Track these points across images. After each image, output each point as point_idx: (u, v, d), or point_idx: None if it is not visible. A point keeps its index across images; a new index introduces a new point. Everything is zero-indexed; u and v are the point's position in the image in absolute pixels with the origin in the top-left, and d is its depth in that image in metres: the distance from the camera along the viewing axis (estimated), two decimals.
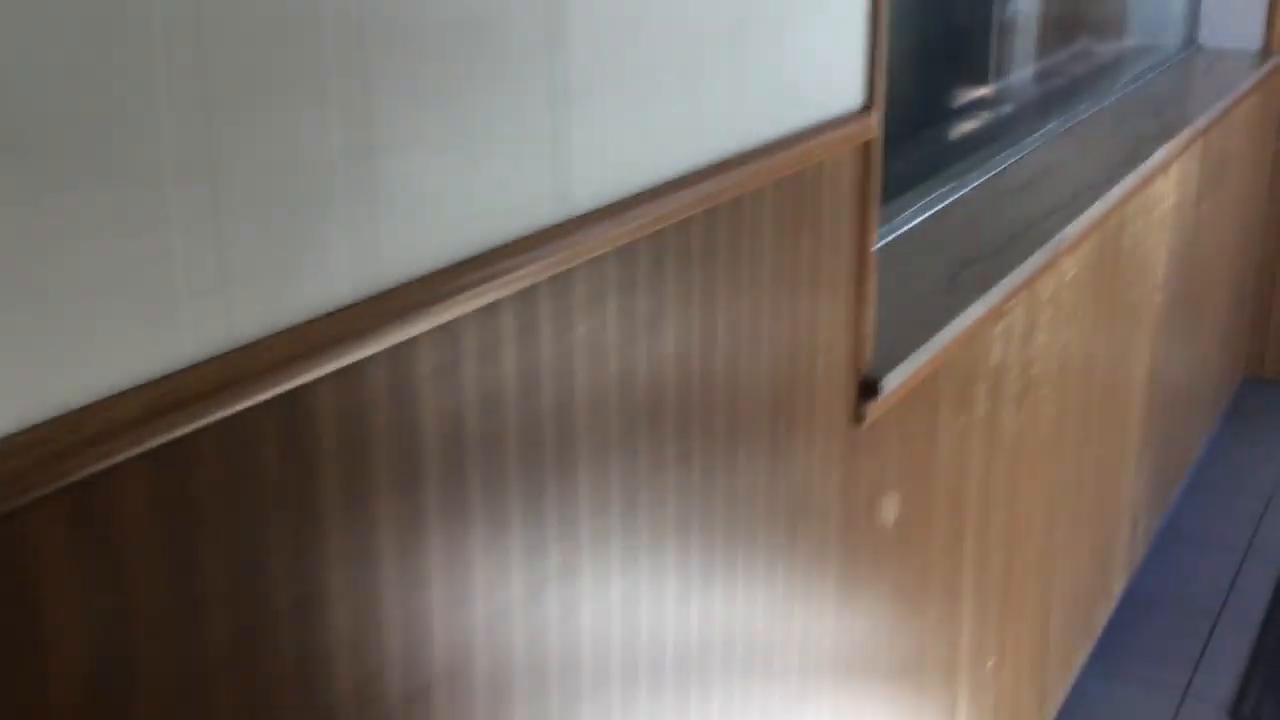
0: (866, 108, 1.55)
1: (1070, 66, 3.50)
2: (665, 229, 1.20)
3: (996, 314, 2.09)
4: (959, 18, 3.06)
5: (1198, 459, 3.99)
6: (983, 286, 2.02)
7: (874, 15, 1.51)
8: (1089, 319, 2.59)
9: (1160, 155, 2.80)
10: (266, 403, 0.81)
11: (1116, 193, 2.57)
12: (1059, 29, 3.58)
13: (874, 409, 1.67)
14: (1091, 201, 2.46)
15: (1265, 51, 3.93)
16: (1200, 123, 3.12)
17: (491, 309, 1.00)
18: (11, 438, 0.67)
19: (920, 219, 2.34)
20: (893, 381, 1.69)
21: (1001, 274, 2.09)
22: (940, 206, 2.42)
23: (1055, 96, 3.19)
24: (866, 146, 1.56)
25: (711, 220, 1.27)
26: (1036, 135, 2.88)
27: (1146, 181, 2.78)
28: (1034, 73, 3.32)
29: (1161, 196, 2.93)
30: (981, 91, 3.06)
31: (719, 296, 1.30)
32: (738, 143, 1.30)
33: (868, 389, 1.66)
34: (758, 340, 1.38)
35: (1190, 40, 4.02)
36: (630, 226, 1.14)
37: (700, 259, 1.26)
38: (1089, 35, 3.77)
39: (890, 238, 2.22)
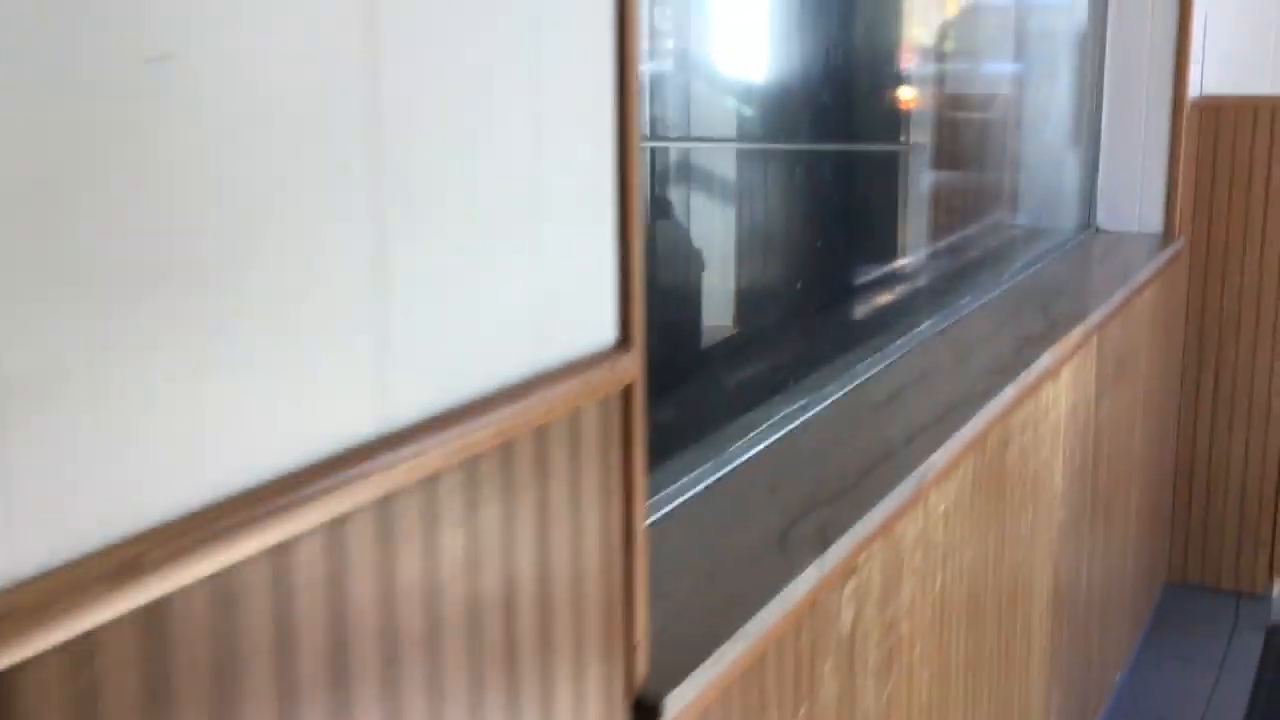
0: (621, 344, 1.17)
1: (953, 256, 3.19)
2: (245, 560, 0.79)
3: (845, 571, 1.70)
4: (822, 206, 2.75)
5: (1119, 682, 3.58)
6: (824, 541, 1.63)
7: (623, 225, 1.15)
8: (971, 554, 2.21)
9: (1047, 360, 2.46)
10: None
11: (996, 406, 2.22)
12: (942, 214, 3.29)
13: None
14: (965, 419, 2.10)
15: (1167, 235, 3.66)
16: (1095, 318, 2.80)
17: None
18: None
19: (761, 447, 1.96)
20: (682, 697, 1.28)
21: (850, 520, 1.70)
22: (788, 429, 2.05)
23: (934, 291, 2.87)
24: (625, 394, 1.18)
25: (336, 534, 0.87)
26: (909, 337, 2.54)
27: (1033, 389, 2.43)
28: (911, 264, 3.00)
29: (1053, 403, 2.59)
30: (848, 289, 2.73)
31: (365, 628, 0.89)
32: (396, 417, 0.91)
33: (644, 713, 1.24)
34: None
35: (1086, 223, 3.75)
36: (182, 570, 0.73)
37: (323, 590, 0.86)
38: (975, 220, 3.49)
39: (716, 477, 1.84)
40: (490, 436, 1.00)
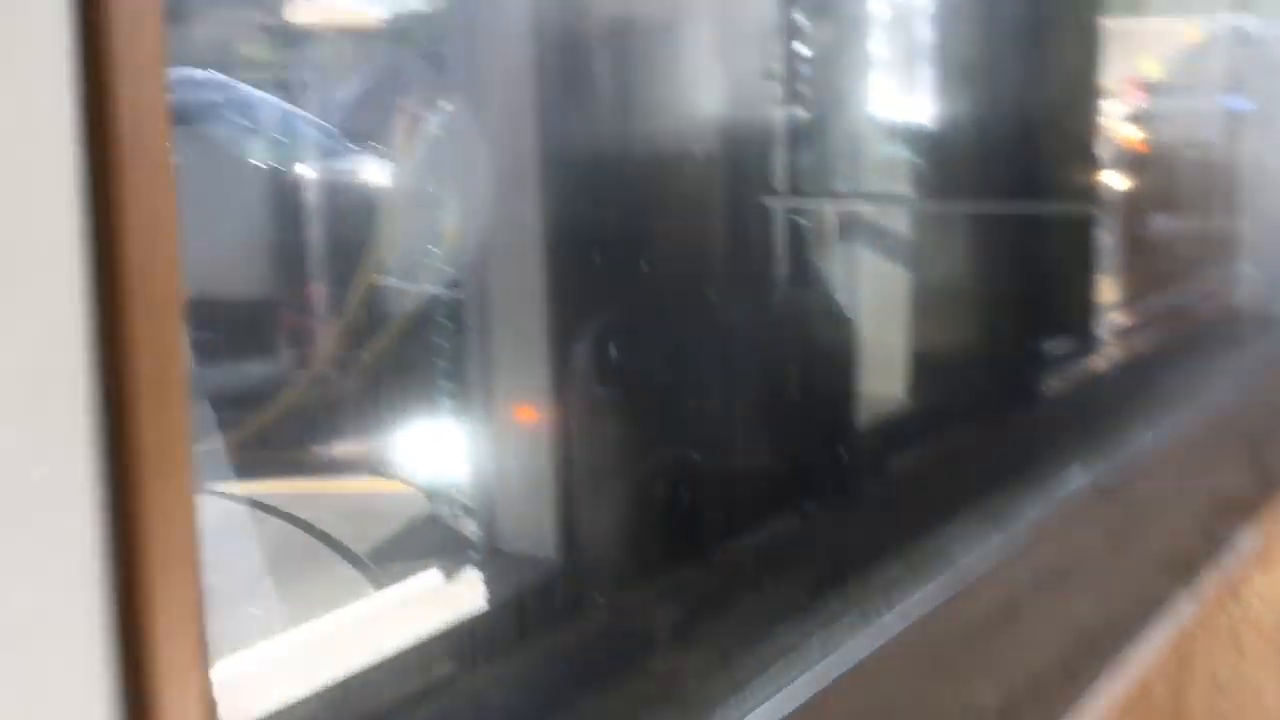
0: None
1: (1126, 362, 2.37)
2: None
3: None
4: (942, 292, 2.00)
5: None
6: None
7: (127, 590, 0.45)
8: None
9: (1254, 539, 1.65)
10: None
11: (1167, 631, 1.43)
12: (1126, 291, 2.49)
13: None
14: (1113, 660, 1.32)
15: None
16: None
17: None
18: None
19: None
20: None
21: None
22: (814, 692, 1.30)
23: (1092, 417, 2.05)
24: None
25: None
26: (1045, 500, 1.75)
27: (1231, 588, 1.62)
28: (1061, 376, 2.20)
29: (1266, 599, 1.76)
30: (958, 415, 1.96)
31: None
32: None
33: None
34: None
35: None
36: None
37: None
38: (1171, 304, 2.66)
39: None
40: None
